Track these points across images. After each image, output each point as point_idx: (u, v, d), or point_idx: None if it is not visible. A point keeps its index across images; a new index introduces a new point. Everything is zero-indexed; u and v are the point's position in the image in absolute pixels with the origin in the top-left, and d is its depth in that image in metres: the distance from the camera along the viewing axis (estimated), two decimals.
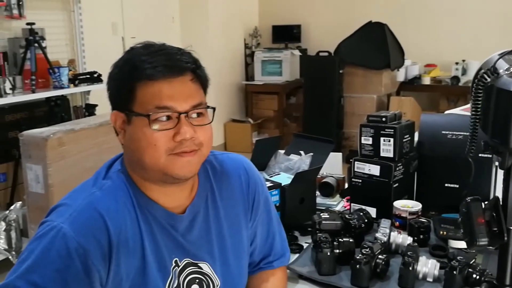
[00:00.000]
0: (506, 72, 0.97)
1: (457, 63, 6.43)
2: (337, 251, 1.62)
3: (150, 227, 1.20)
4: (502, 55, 1.01)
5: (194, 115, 1.17)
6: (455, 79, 6.40)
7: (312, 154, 2.23)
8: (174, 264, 1.23)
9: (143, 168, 1.18)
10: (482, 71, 1.00)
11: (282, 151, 2.36)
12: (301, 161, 2.21)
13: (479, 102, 1.01)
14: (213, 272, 1.30)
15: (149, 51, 1.17)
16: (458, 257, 1.49)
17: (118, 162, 1.26)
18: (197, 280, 1.27)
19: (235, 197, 1.37)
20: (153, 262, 1.19)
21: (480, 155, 1.73)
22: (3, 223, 3.50)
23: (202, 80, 1.21)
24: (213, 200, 1.33)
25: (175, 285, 1.23)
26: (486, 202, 1.09)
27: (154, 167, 1.16)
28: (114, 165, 1.26)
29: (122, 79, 1.17)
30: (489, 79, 0.99)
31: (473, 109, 1.03)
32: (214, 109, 1.22)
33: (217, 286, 1.31)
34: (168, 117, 1.15)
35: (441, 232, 1.79)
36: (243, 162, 1.43)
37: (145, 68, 1.13)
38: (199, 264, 1.28)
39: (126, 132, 1.19)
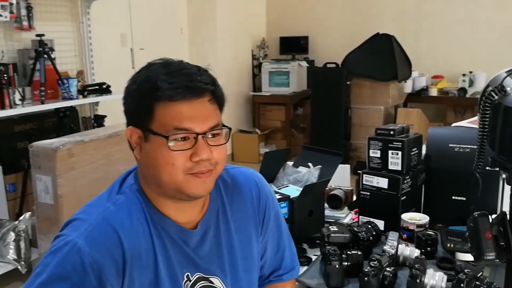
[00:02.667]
0: None
1: (464, 75, 6.43)
2: (346, 263, 1.63)
3: (163, 242, 1.21)
4: (509, 73, 1.02)
5: (211, 135, 1.18)
6: (462, 90, 6.39)
7: (320, 166, 2.24)
8: (186, 279, 1.24)
9: (158, 185, 1.19)
10: (490, 88, 1.01)
11: (291, 163, 2.37)
12: (310, 173, 2.22)
13: (487, 119, 1.02)
14: (224, 287, 1.31)
15: (169, 70, 1.16)
16: (466, 270, 1.50)
17: (131, 177, 1.27)
18: None
19: (246, 211, 1.38)
20: (166, 277, 1.20)
21: (487, 168, 1.73)
22: (12, 234, 3.52)
23: (219, 100, 1.22)
24: (224, 214, 1.34)
25: None
26: (493, 217, 1.10)
27: (170, 185, 1.17)
28: (127, 179, 1.27)
29: (141, 97, 1.17)
30: (496, 97, 1.00)
31: (481, 126, 1.04)
32: (230, 129, 1.24)
33: None
34: (186, 138, 1.15)
35: (448, 245, 1.80)
36: (254, 176, 1.43)
37: (166, 89, 1.13)
38: (210, 279, 1.29)
39: (143, 149, 1.20)
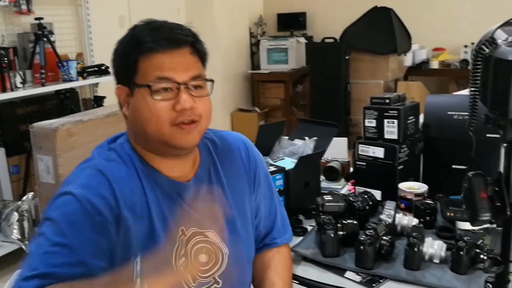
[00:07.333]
0: (505, 42, 0.96)
1: (466, 46, 6.31)
2: (341, 233, 1.61)
3: (156, 195, 1.24)
4: (500, 26, 0.99)
5: (193, 87, 1.23)
6: (464, 62, 6.29)
7: (316, 138, 2.22)
8: (180, 233, 1.26)
9: (145, 139, 1.24)
10: (481, 42, 0.99)
11: (286, 137, 2.35)
12: (305, 145, 2.20)
13: (478, 74, 1.00)
14: (221, 240, 1.32)
15: (152, 26, 1.24)
16: (465, 238, 1.48)
17: (121, 138, 1.31)
18: (204, 250, 1.30)
19: (237, 169, 1.42)
20: (160, 230, 1.22)
21: (487, 135, 1.71)
22: (16, 214, 3.59)
23: (201, 54, 1.27)
24: (216, 172, 1.37)
25: (182, 253, 1.26)
26: (489, 177, 1.08)
27: (157, 137, 1.21)
28: (117, 140, 1.31)
29: (126, 53, 1.24)
30: (487, 50, 0.97)
31: (472, 82, 1.02)
32: (212, 81, 1.28)
33: (225, 254, 1.33)
34: (169, 89, 1.20)
35: (448, 214, 1.78)
36: (242, 137, 1.50)
37: (148, 42, 1.20)
38: (205, 233, 1.30)
39: (130, 104, 1.25)
